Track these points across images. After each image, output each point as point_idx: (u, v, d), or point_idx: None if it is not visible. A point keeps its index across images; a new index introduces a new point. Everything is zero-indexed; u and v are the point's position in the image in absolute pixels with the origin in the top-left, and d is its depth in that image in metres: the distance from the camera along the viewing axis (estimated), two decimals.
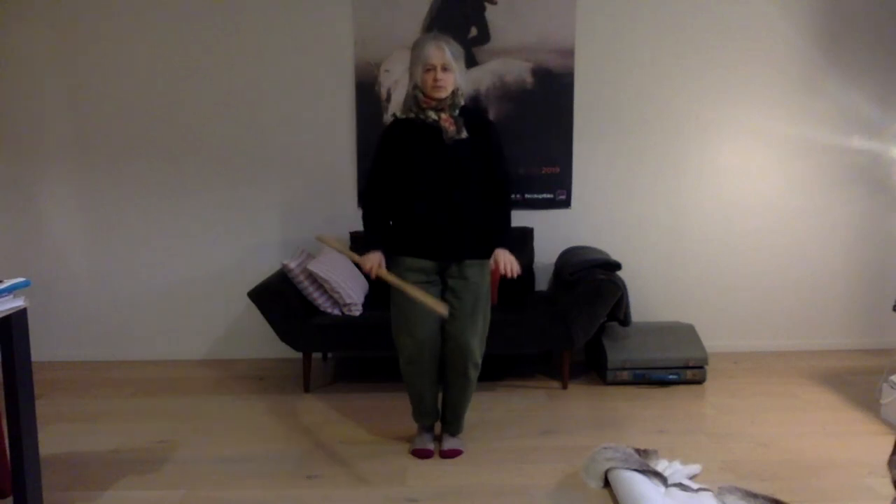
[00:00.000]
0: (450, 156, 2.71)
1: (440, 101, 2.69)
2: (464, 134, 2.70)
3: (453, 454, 2.86)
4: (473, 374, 2.81)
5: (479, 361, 2.81)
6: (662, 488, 2.45)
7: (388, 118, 3.99)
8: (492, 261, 2.77)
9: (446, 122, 2.70)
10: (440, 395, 2.94)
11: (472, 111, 2.86)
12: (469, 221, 2.75)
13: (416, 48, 2.72)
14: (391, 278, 2.70)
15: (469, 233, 2.76)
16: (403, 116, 2.80)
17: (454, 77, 2.69)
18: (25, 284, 2.14)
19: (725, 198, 4.14)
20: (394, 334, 2.82)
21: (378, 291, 3.83)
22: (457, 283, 2.76)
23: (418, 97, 2.71)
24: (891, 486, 2.20)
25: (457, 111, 2.74)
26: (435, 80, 2.65)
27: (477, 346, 2.77)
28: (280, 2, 3.94)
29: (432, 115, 2.70)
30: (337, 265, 3.66)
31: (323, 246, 3.89)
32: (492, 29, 3.95)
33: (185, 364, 4.11)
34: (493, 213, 2.81)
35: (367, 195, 2.86)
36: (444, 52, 2.64)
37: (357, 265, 2.96)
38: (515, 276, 2.76)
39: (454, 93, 2.71)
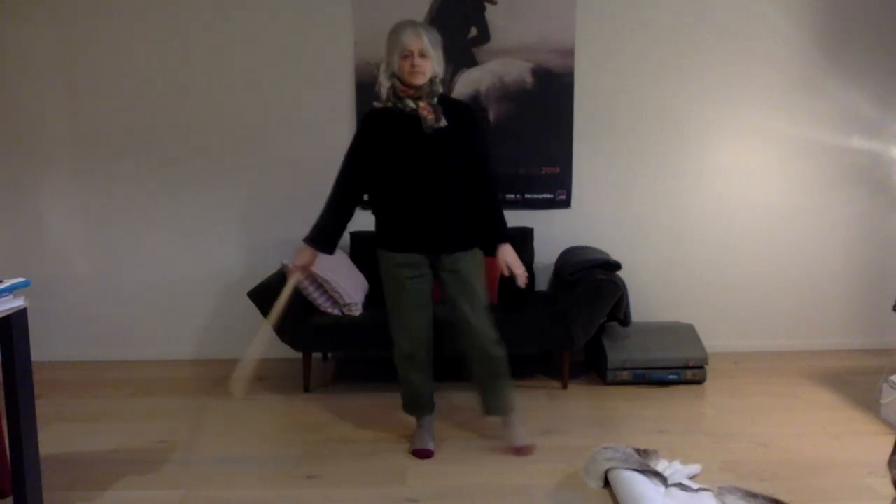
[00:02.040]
0: (430, 145, 2.66)
1: (418, 88, 2.64)
2: (443, 122, 2.66)
3: (527, 451, 2.85)
4: (497, 350, 2.81)
5: (496, 337, 2.81)
6: (662, 488, 2.45)
7: None
8: (501, 265, 2.75)
9: (424, 109, 2.65)
10: (437, 392, 2.95)
11: (452, 99, 2.82)
12: (454, 212, 2.73)
13: (393, 35, 2.66)
14: (288, 288, 2.79)
15: (455, 224, 2.74)
16: (381, 106, 2.75)
17: (432, 64, 2.64)
18: (25, 284, 2.14)
19: (725, 198, 4.14)
20: (391, 329, 2.84)
21: (378, 291, 3.83)
22: (449, 277, 2.76)
23: (395, 86, 2.67)
24: (891, 486, 2.21)
25: (435, 99, 2.69)
26: (412, 66, 2.60)
27: (485, 324, 2.78)
28: (280, 2, 3.95)
29: (410, 103, 2.65)
30: (337, 265, 3.66)
31: None
32: (492, 29, 3.95)
33: (185, 364, 4.11)
34: (483, 204, 2.77)
35: (337, 183, 2.79)
36: (422, 39, 2.60)
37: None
38: (524, 282, 2.77)
39: (432, 80, 2.66)
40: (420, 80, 2.62)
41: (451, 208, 2.72)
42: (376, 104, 2.80)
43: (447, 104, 2.73)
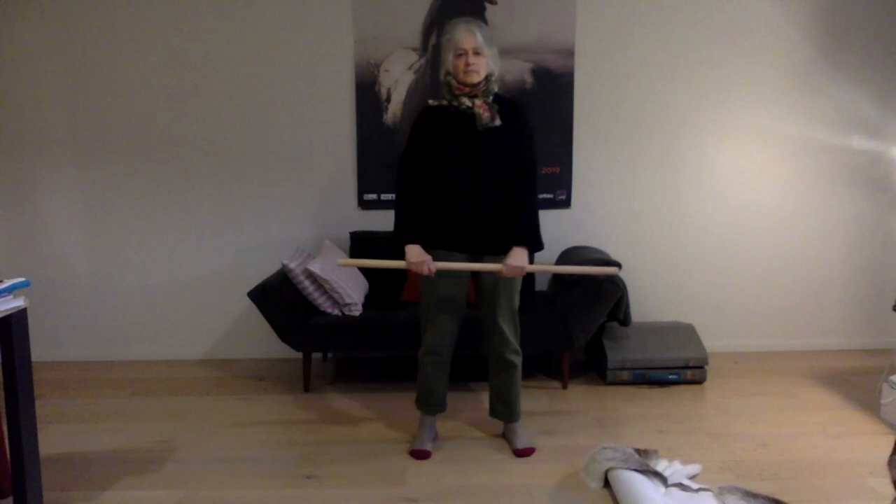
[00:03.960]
0: (482, 145, 2.66)
1: (474, 86, 2.64)
2: (497, 121, 2.66)
3: (528, 452, 2.86)
4: (516, 359, 2.85)
5: (517, 346, 2.85)
6: (662, 488, 2.45)
7: (387, 118, 3.99)
8: (505, 265, 2.68)
9: (481, 108, 2.64)
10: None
11: (506, 99, 2.80)
12: (502, 214, 2.72)
13: (447, 33, 2.68)
14: (445, 265, 2.67)
15: (501, 226, 2.73)
16: (436, 103, 2.75)
17: (487, 62, 2.64)
18: (25, 284, 2.14)
19: (725, 198, 4.14)
20: (421, 324, 2.85)
21: (378, 291, 3.84)
22: (488, 278, 2.75)
23: (451, 83, 2.66)
24: (891, 486, 2.20)
25: (491, 98, 2.69)
26: (467, 64, 2.60)
27: (510, 331, 2.81)
28: (280, 2, 3.95)
29: (466, 101, 2.65)
30: (337, 265, 3.65)
31: (323, 246, 3.89)
32: (492, 29, 3.95)
33: (185, 364, 4.11)
34: (518, 204, 2.73)
35: (402, 184, 2.76)
36: (476, 36, 2.60)
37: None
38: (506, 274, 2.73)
39: (487, 78, 2.66)
40: (475, 79, 2.63)
41: (498, 209, 2.72)
42: (431, 101, 2.79)
43: (501, 103, 2.72)
